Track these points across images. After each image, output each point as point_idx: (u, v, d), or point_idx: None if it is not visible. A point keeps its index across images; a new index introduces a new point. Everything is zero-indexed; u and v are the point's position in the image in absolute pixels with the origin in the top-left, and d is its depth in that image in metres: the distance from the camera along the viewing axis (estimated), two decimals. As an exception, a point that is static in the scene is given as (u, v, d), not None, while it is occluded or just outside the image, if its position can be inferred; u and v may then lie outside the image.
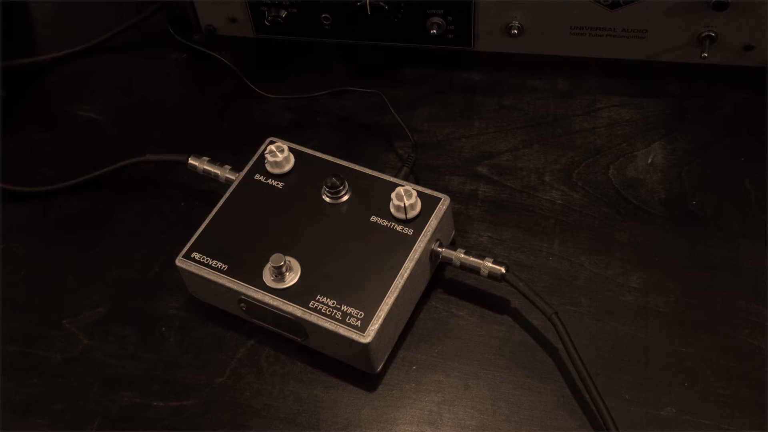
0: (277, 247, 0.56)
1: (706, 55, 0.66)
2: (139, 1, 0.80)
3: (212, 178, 0.63)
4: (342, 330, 0.52)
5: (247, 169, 0.61)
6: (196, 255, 0.57)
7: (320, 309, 0.53)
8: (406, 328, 0.57)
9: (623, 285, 0.58)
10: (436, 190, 0.58)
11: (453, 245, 0.60)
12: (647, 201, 0.63)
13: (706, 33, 0.67)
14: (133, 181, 0.68)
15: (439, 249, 0.57)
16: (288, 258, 0.55)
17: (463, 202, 0.64)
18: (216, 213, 0.59)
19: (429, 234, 0.56)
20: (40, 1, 0.85)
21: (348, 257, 0.56)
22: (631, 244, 0.60)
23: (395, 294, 0.54)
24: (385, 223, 0.57)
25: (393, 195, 0.57)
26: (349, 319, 0.53)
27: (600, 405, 0.51)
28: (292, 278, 0.55)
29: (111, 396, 0.56)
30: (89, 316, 0.60)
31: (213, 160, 0.63)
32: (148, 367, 0.57)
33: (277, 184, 0.60)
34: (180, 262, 0.57)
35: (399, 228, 0.57)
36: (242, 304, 0.56)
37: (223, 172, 0.62)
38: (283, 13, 0.73)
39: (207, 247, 0.57)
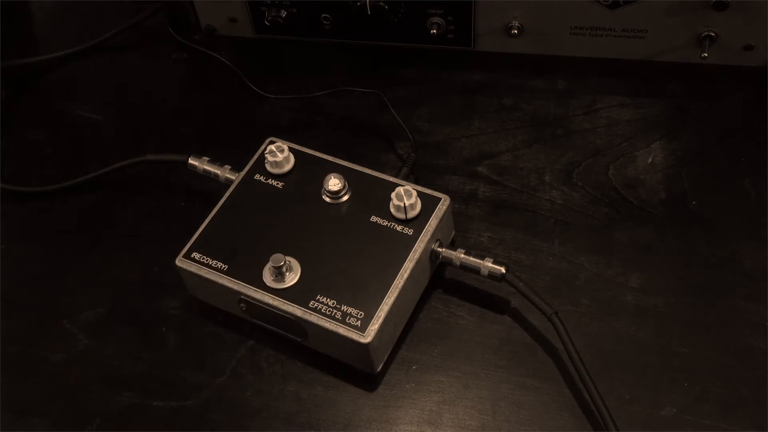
0: (277, 247, 0.56)
1: (706, 55, 0.66)
2: (139, 1, 0.80)
3: (212, 178, 0.63)
4: (342, 330, 0.52)
5: (247, 169, 0.61)
6: (196, 255, 0.57)
7: (320, 309, 0.53)
8: (406, 328, 0.57)
9: (623, 285, 0.58)
10: (436, 190, 0.58)
11: (453, 245, 0.60)
12: (647, 201, 0.63)
13: (706, 33, 0.67)
14: (133, 181, 0.68)
15: (439, 249, 0.57)
16: (288, 258, 0.55)
17: (463, 202, 0.64)
18: (216, 213, 0.59)
19: (429, 234, 0.56)
20: (40, 1, 0.85)
21: (348, 257, 0.56)
22: (631, 244, 0.60)
23: (395, 294, 0.54)
24: (385, 223, 0.57)
25: (393, 195, 0.57)
26: (349, 319, 0.53)
27: (600, 405, 0.51)
28: (292, 278, 0.55)
29: (111, 396, 0.56)
30: (89, 316, 0.60)
31: (213, 160, 0.63)
32: (148, 367, 0.57)
33: (277, 184, 0.60)
34: (180, 262, 0.57)
35: (399, 228, 0.57)
36: (242, 304, 0.56)
37: (223, 172, 0.62)
38: (283, 13, 0.73)
39: (207, 247, 0.57)
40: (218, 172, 0.63)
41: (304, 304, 0.54)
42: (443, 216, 0.57)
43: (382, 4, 0.68)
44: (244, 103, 0.73)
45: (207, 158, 0.64)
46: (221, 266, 0.56)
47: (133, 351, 0.58)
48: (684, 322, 0.56)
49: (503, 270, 0.55)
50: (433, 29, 0.70)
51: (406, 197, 0.56)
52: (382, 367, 0.55)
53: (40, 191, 0.68)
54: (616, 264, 0.60)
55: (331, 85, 0.71)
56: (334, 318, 0.53)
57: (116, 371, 0.57)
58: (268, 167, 0.61)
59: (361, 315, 0.53)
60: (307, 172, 0.61)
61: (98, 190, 0.68)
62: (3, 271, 0.63)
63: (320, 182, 0.59)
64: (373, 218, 0.57)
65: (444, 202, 0.58)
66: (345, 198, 0.59)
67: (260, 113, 0.72)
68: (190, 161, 0.64)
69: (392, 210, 0.57)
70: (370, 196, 0.58)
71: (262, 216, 0.59)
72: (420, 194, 0.57)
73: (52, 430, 0.55)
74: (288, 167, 0.61)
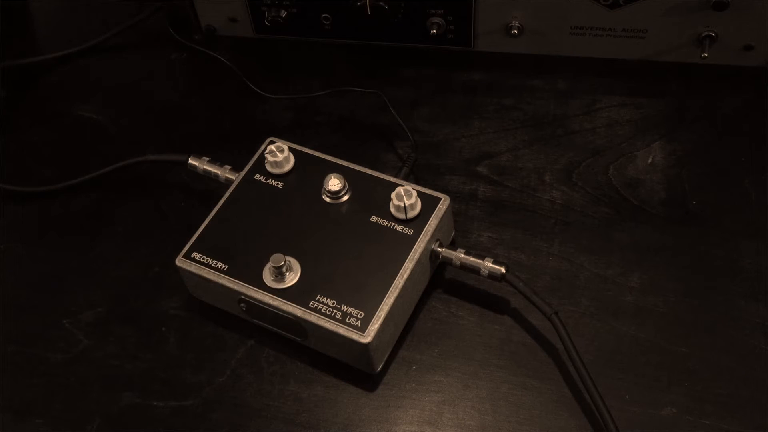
0: (277, 247, 0.56)
1: (706, 55, 0.66)
2: (139, 1, 0.80)
3: (212, 178, 0.63)
4: (342, 330, 0.52)
5: (247, 169, 0.61)
6: (196, 255, 0.57)
7: (320, 309, 0.53)
8: (406, 328, 0.57)
9: (623, 285, 0.58)
10: (436, 190, 0.58)
11: (453, 245, 0.60)
12: (647, 201, 0.63)
13: (706, 33, 0.67)
14: (133, 181, 0.68)
15: (439, 249, 0.57)
16: (288, 258, 0.55)
17: (463, 202, 0.64)
18: (216, 213, 0.59)
19: (429, 234, 0.56)
20: (40, 1, 0.85)
21: (348, 257, 0.56)
22: (631, 244, 0.60)
23: (395, 294, 0.54)
24: (385, 223, 0.57)
25: (393, 195, 0.57)
26: (349, 319, 0.53)
27: (600, 405, 0.51)
28: (292, 278, 0.55)
29: (111, 396, 0.56)
30: (89, 316, 0.60)
31: (213, 160, 0.63)
32: (148, 367, 0.57)
33: (277, 184, 0.60)
34: (180, 262, 0.57)
35: (399, 228, 0.57)
36: (242, 304, 0.56)
37: (223, 172, 0.62)
38: (283, 13, 0.73)
39: (207, 247, 0.57)
40: (218, 172, 0.63)
41: (304, 304, 0.54)
42: (443, 216, 0.57)
43: (382, 4, 0.68)
44: (244, 103, 0.73)
45: (207, 158, 0.64)
46: (221, 266, 0.56)
47: (133, 351, 0.58)
48: (684, 322, 0.56)
49: (503, 270, 0.55)
50: (433, 29, 0.70)
51: (406, 197, 0.56)
52: (382, 367, 0.55)
53: (40, 191, 0.68)
54: (616, 264, 0.60)
55: (331, 85, 0.71)
56: (334, 318, 0.53)
57: (116, 371, 0.57)
58: (268, 167, 0.61)
59: (361, 315, 0.53)
60: (307, 172, 0.61)
61: (98, 190, 0.68)
62: (3, 271, 0.63)
63: (320, 182, 0.59)
64: (373, 218, 0.57)
65: (444, 202, 0.58)
66: (345, 198, 0.59)
67: (260, 113, 0.72)
68: (190, 161, 0.64)
69: (392, 210, 0.57)
70: (370, 196, 0.59)
71: (262, 216, 0.59)
72: (420, 194, 0.57)
73: (52, 430, 0.55)
74: (288, 167, 0.61)
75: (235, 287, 0.55)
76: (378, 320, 0.53)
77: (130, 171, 0.67)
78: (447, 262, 0.58)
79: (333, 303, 0.54)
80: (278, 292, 0.54)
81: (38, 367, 0.58)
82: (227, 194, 0.60)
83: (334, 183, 0.58)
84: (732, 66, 0.69)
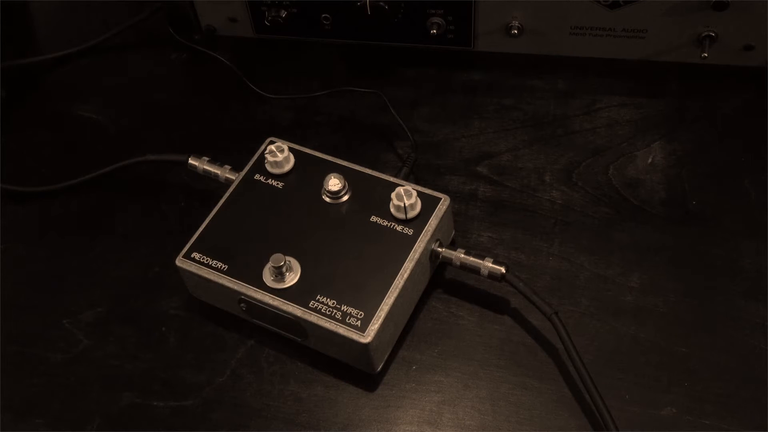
0: (277, 247, 0.56)
1: (706, 55, 0.66)
2: (139, 1, 0.80)
3: (212, 178, 0.63)
4: (342, 330, 0.52)
5: (247, 169, 0.61)
6: (196, 255, 0.57)
7: (320, 309, 0.53)
8: (406, 328, 0.57)
9: (623, 285, 0.58)
10: (436, 190, 0.58)
11: (453, 245, 0.60)
12: (647, 201, 0.63)
13: (706, 33, 0.67)
14: (133, 181, 0.68)
15: (439, 249, 0.57)
16: (288, 258, 0.55)
17: (463, 202, 0.64)
18: (216, 213, 0.59)
19: (429, 234, 0.56)
20: (40, 1, 0.85)
21: (348, 257, 0.56)
22: (631, 244, 0.60)
23: (395, 294, 0.54)
24: (385, 223, 0.57)
25: (393, 195, 0.57)
26: (349, 319, 0.53)
27: (600, 405, 0.51)
28: (292, 278, 0.55)
29: (111, 396, 0.56)
30: (89, 316, 0.60)
31: (213, 160, 0.63)
32: (148, 367, 0.57)
33: (277, 184, 0.60)
34: (180, 262, 0.57)
35: (399, 228, 0.57)
36: (242, 304, 0.56)
37: (223, 172, 0.62)
38: (283, 13, 0.73)
39: (207, 247, 0.57)
40: (218, 172, 0.63)
41: (304, 304, 0.54)
42: (443, 216, 0.57)
43: (382, 4, 0.68)
44: (243, 103, 0.73)
45: (207, 158, 0.64)
46: (221, 266, 0.56)
47: (133, 351, 0.58)
48: (684, 322, 0.56)
49: (503, 270, 0.55)
50: (433, 29, 0.70)
51: (406, 197, 0.56)
52: (382, 367, 0.55)
53: (40, 191, 0.68)
54: (616, 264, 0.60)
55: (331, 85, 0.71)
56: (334, 318, 0.53)
57: (116, 371, 0.57)
58: (268, 167, 0.61)
59: (361, 315, 0.53)
60: (307, 172, 0.61)
61: (98, 190, 0.68)
62: (3, 271, 0.63)
63: (320, 182, 0.59)
64: (373, 218, 0.57)
65: (444, 202, 0.58)
66: (345, 198, 0.59)
67: (260, 113, 0.72)
68: (190, 161, 0.64)
69: (392, 210, 0.57)
70: (370, 196, 0.59)
71: (262, 216, 0.59)
72: (420, 194, 0.57)
73: (52, 430, 0.55)
74: (288, 167, 0.61)
75: (235, 287, 0.55)
76: (378, 320, 0.53)
77: (130, 171, 0.67)
78: (447, 262, 0.58)
79: (333, 303, 0.54)
80: (278, 292, 0.54)
81: (38, 367, 0.58)
82: (227, 194, 0.60)
83: (334, 183, 0.58)
84: (732, 66, 0.69)
